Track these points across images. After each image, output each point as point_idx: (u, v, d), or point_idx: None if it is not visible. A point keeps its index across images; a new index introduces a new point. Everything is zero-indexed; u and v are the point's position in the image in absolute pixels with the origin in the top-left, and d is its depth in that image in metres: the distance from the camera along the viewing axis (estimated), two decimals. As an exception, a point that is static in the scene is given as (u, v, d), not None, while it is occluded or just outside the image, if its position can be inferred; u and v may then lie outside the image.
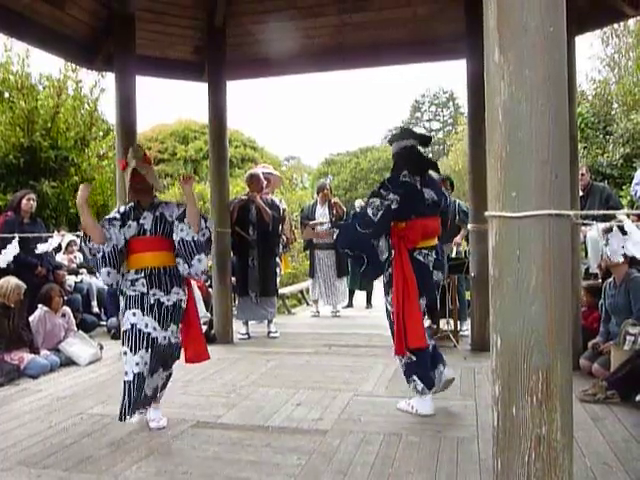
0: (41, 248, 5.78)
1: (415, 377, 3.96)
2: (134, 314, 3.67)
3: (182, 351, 3.93)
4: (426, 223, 3.94)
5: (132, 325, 3.66)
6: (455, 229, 6.87)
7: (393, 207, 3.80)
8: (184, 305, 3.85)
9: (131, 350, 3.62)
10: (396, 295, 3.86)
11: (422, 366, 3.94)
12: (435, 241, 4.05)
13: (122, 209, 3.86)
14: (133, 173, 3.69)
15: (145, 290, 3.70)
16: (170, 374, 3.95)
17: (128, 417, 3.61)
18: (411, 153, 4.03)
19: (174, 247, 3.76)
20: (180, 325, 3.85)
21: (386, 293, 4.07)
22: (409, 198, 3.85)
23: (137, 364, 3.59)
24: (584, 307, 5.35)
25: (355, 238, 3.84)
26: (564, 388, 1.86)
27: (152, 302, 3.69)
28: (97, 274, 3.93)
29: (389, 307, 4.04)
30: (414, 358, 3.93)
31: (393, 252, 3.91)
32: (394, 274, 3.89)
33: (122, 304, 3.82)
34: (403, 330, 3.85)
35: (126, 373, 3.63)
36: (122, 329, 3.82)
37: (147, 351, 3.62)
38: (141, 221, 3.77)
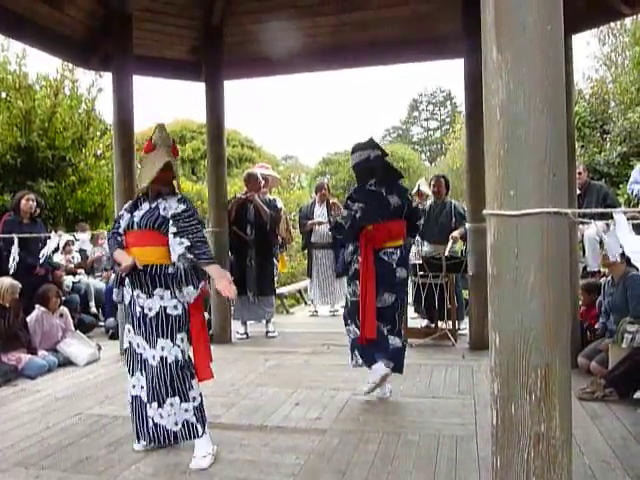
0: (43, 253, 5.81)
1: (357, 352, 4.41)
2: (129, 330, 3.41)
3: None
4: (391, 226, 4.37)
5: (129, 344, 3.42)
6: (451, 231, 6.87)
7: (358, 216, 4.31)
8: (176, 312, 3.27)
9: (129, 371, 3.41)
10: (361, 292, 4.30)
11: (366, 346, 4.32)
12: (400, 242, 4.41)
13: (129, 203, 3.55)
14: (166, 166, 3.31)
15: (130, 291, 3.32)
16: (199, 404, 3.36)
17: (136, 443, 3.40)
18: (382, 163, 4.47)
19: (166, 242, 3.25)
20: (179, 336, 3.30)
21: (348, 285, 4.56)
22: (374, 205, 4.32)
23: (134, 386, 3.38)
24: (582, 306, 5.36)
25: (338, 243, 4.59)
26: (563, 385, 1.86)
27: (138, 314, 3.29)
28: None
29: (349, 297, 4.51)
30: (359, 334, 4.34)
31: (359, 251, 4.35)
32: (361, 272, 4.30)
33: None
34: (363, 322, 4.27)
35: (129, 395, 3.45)
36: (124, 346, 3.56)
37: (142, 374, 3.34)
38: (134, 213, 3.39)
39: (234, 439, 3.57)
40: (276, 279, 8.00)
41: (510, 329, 1.87)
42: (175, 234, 3.22)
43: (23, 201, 6.53)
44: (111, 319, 7.12)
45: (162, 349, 3.26)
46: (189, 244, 3.20)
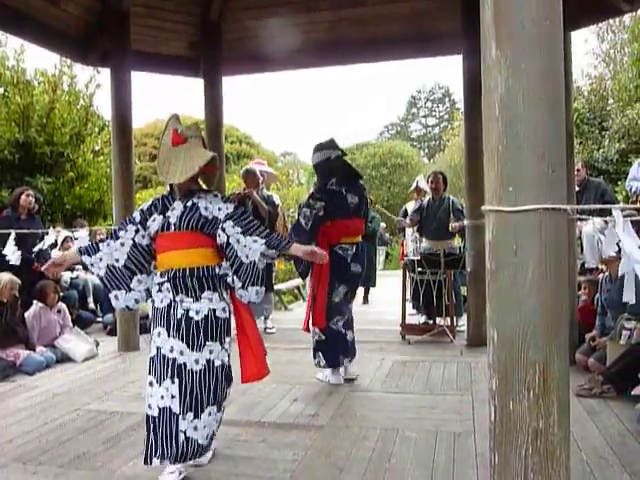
0: (38, 247, 5.80)
1: (320, 354, 4.61)
2: (159, 334, 3.06)
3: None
4: (349, 224, 4.61)
5: (157, 349, 3.05)
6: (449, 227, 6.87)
7: (320, 214, 4.44)
8: (224, 315, 3.13)
9: (157, 381, 3.01)
10: (312, 283, 4.54)
11: (329, 345, 4.58)
12: (357, 239, 4.68)
13: (151, 202, 3.25)
14: (212, 160, 3.13)
15: (171, 296, 3.07)
16: (223, 414, 3.23)
17: (156, 460, 2.94)
18: (341, 163, 4.65)
19: (209, 243, 3.14)
20: (227, 340, 3.15)
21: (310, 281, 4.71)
22: (334, 203, 4.49)
23: (162, 397, 2.98)
24: (584, 301, 5.36)
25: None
26: (561, 382, 1.86)
27: (179, 316, 3.04)
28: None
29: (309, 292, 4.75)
30: (323, 337, 4.57)
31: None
32: (314, 266, 4.46)
33: (150, 315, 3.21)
34: (312, 311, 4.54)
35: (149, 406, 3.02)
36: (150, 354, 3.13)
37: (173, 382, 2.98)
38: (168, 214, 3.14)
39: (232, 435, 3.57)
40: (274, 275, 7.99)
41: (508, 325, 1.87)
42: (244, 234, 3.10)
43: (23, 197, 6.53)
44: (109, 315, 7.12)
45: (210, 352, 3.06)
46: (264, 240, 3.10)
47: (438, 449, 3.28)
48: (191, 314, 3.05)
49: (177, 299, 3.07)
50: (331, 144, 4.65)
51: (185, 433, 2.97)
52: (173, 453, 2.95)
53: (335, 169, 4.59)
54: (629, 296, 2.70)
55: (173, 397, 2.98)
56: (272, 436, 3.56)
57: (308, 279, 4.93)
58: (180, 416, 2.97)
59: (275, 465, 3.13)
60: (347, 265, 4.55)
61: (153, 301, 3.16)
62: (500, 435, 1.90)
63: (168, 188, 3.28)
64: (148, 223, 3.17)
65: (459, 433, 3.50)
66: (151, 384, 3.04)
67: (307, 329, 4.66)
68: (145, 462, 2.96)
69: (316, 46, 6.81)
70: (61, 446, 3.48)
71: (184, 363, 3.00)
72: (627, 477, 2.86)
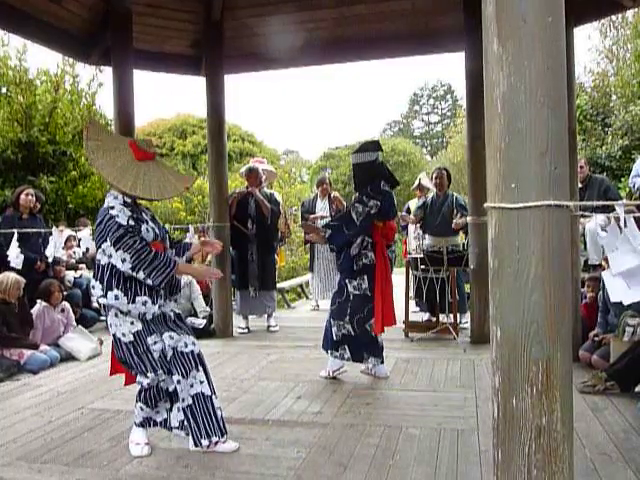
0: (49, 253, 5.84)
1: (346, 347, 4.64)
2: (171, 337, 3.25)
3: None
4: (393, 225, 4.83)
5: (173, 349, 3.23)
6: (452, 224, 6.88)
7: (372, 212, 4.52)
8: None
9: (183, 376, 3.23)
10: (379, 284, 4.54)
11: (358, 342, 4.62)
12: None
13: (127, 209, 3.19)
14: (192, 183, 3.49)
15: (162, 301, 3.29)
16: None
17: (204, 442, 3.23)
18: (385, 167, 4.76)
19: None
20: None
21: (353, 278, 4.62)
22: (388, 204, 4.60)
23: (192, 385, 3.24)
24: (590, 297, 5.34)
25: (344, 239, 4.58)
26: (564, 379, 1.85)
27: (173, 316, 3.35)
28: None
29: (351, 290, 4.61)
30: (353, 333, 4.61)
31: (374, 247, 4.59)
32: (377, 266, 4.56)
33: (135, 327, 3.21)
34: (382, 312, 4.55)
35: (182, 399, 3.26)
36: (156, 356, 3.23)
37: (198, 370, 3.26)
38: (151, 224, 3.30)
39: (236, 433, 3.57)
40: (277, 273, 8.01)
41: (511, 322, 1.87)
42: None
43: (22, 196, 6.53)
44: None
45: None
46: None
47: (442, 446, 3.29)
48: (177, 311, 3.44)
49: (165, 302, 3.31)
50: (378, 146, 4.71)
51: (221, 409, 3.32)
52: (217, 430, 3.25)
53: (381, 173, 4.67)
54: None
55: (202, 382, 3.26)
56: (276, 434, 3.57)
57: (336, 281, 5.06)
58: (212, 396, 3.28)
59: (279, 462, 3.14)
60: (391, 267, 4.90)
61: (142, 315, 3.21)
62: (503, 432, 1.90)
63: (123, 197, 3.22)
64: (147, 233, 3.25)
65: (462, 430, 3.51)
66: (179, 382, 3.25)
67: (382, 330, 4.67)
68: (195, 445, 3.24)
69: (318, 44, 6.80)
70: (66, 444, 3.49)
71: (200, 351, 3.32)
72: (631, 474, 2.86)
